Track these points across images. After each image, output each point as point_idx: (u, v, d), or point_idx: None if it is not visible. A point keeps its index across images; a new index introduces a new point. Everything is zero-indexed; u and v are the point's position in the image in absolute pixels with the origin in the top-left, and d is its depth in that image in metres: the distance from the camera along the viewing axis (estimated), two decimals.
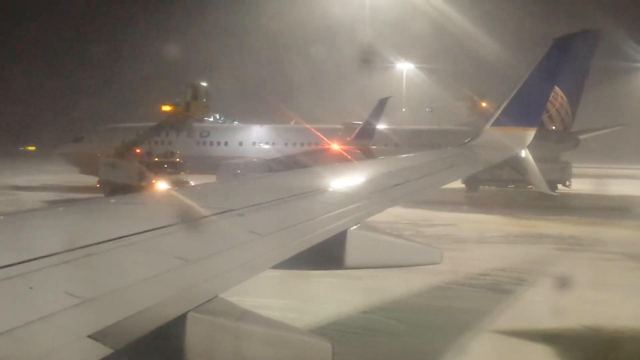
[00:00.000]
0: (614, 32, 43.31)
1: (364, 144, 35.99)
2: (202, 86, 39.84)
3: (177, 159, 35.44)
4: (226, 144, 42.39)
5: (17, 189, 37.52)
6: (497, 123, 10.96)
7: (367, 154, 34.20)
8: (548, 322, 11.28)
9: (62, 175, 44.91)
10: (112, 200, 4.13)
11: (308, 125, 41.73)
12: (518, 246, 19.97)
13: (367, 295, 12.81)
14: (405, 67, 65.74)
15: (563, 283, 14.01)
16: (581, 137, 42.54)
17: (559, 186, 38.75)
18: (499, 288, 13.92)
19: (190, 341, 2.47)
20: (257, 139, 42.86)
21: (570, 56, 38.93)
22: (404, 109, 39.76)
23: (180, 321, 2.43)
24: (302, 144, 41.68)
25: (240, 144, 42.50)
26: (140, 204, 4.10)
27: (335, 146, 36.63)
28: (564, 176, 39.25)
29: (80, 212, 3.62)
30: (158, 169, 33.16)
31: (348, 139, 37.31)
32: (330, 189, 5.35)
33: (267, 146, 42.32)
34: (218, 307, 2.61)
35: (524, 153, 11.42)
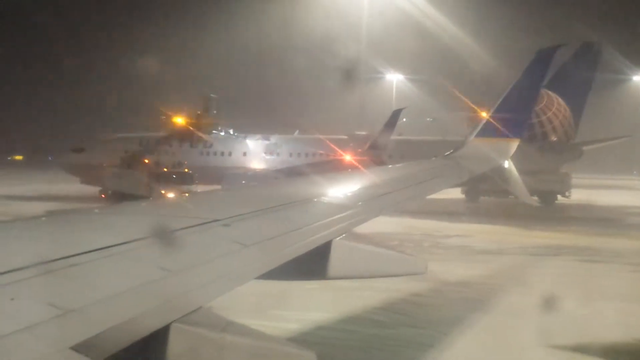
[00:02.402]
0: (606, 45, 43.70)
1: (378, 154, 34.98)
2: (213, 98, 39.63)
3: (186, 170, 35.12)
4: (230, 154, 41.79)
5: (17, 200, 36.52)
6: (481, 134, 11.05)
7: (381, 166, 33.18)
8: (611, 335, 11.33)
9: (58, 184, 44.03)
10: (96, 210, 4.10)
11: (321, 136, 40.74)
12: (541, 258, 19.93)
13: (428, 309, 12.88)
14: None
15: (606, 296, 14.15)
16: (584, 148, 42.78)
17: (559, 197, 39.22)
18: (543, 302, 13.61)
19: (173, 352, 2.46)
20: (265, 149, 42.04)
21: (572, 68, 39.58)
22: (404, 119, 39.23)
23: (163, 332, 2.42)
24: (306, 155, 40.97)
25: (245, 154, 41.88)
26: (125, 214, 4.08)
27: (348, 157, 35.59)
28: (564, 187, 39.65)
29: (64, 222, 3.59)
30: (167, 180, 32.87)
31: (359, 149, 36.43)
32: (317, 199, 5.36)
33: (273, 157, 41.57)
34: (202, 317, 2.60)
35: (507, 163, 11.52)
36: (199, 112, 38.46)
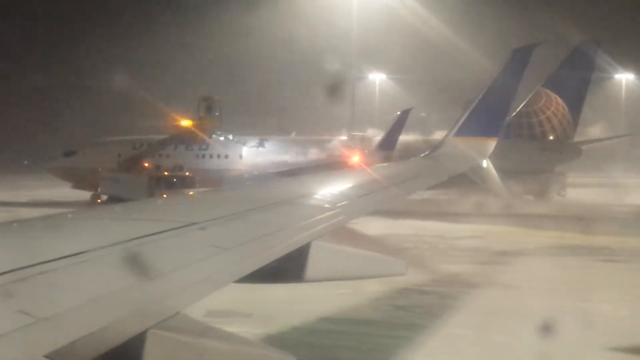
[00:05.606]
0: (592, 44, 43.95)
1: (386, 155, 33.90)
2: (216, 100, 38.94)
3: (187, 173, 34.51)
4: (226, 156, 40.28)
5: (11, 205, 33.78)
6: (459, 133, 11.10)
7: None
8: None
9: (46, 189, 42.50)
10: (69, 215, 4.04)
11: (323, 137, 40.09)
12: (562, 258, 19.60)
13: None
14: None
15: None
16: (583, 147, 42.56)
17: (554, 196, 39.32)
18: (588, 305, 13.33)
19: (151, 358, 2.42)
20: (268, 152, 40.52)
21: (570, 66, 39.79)
22: (398, 112, 38.77)
23: (140, 338, 2.39)
24: (310, 157, 39.03)
25: (240, 156, 40.37)
26: (100, 218, 4.02)
27: (356, 158, 34.57)
28: (559, 186, 39.77)
29: (36, 227, 3.53)
30: (168, 184, 32.28)
31: (365, 150, 35.87)
32: (296, 201, 5.34)
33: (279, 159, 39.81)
34: (179, 323, 2.57)
35: (485, 163, 11.61)
36: (202, 115, 37.88)
